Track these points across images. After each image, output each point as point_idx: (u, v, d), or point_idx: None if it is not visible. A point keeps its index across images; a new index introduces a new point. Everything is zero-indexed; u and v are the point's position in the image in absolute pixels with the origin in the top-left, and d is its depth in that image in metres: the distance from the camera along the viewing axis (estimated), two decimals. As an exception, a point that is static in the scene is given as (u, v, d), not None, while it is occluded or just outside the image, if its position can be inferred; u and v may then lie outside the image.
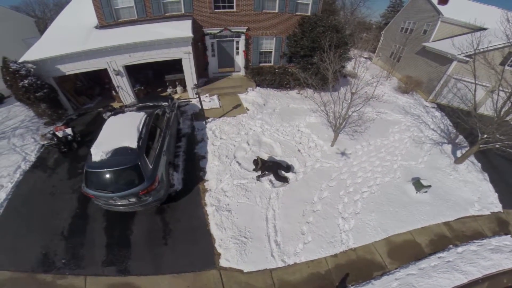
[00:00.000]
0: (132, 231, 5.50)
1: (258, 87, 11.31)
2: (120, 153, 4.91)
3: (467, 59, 12.08)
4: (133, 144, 5.02)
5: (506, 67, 11.78)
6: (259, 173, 6.52)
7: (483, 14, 14.82)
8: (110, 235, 5.45)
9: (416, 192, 7.19)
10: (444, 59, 13.40)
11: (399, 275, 5.40)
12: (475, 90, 8.15)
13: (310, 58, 10.61)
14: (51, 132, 7.64)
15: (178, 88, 10.85)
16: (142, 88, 10.55)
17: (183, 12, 10.13)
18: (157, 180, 5.03)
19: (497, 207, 7.58)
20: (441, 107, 13.29)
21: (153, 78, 12.02)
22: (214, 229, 5.53)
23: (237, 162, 7.02)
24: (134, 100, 9.20)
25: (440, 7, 14.93)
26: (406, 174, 7.77)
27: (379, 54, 24.38)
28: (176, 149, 7.30)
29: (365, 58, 28.11)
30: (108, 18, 9.52)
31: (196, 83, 8.98)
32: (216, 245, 5.30)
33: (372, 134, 9.18)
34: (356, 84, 7.01)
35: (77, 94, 10.25)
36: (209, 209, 5.86)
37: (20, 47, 17.72)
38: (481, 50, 10.42)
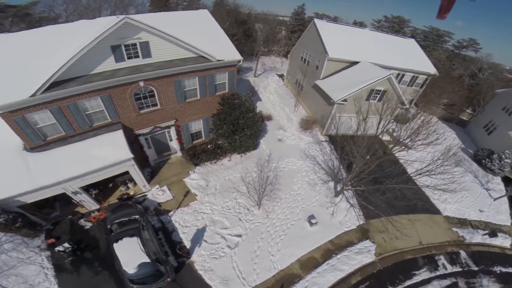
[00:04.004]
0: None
1: (197, 167, 17.64)
2: (144, 266, 10.84)
3: (344, 102, 21.03)
4: (148, 260, 11.02)
5: (370, 101, 21.20)
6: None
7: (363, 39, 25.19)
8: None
9: (310, 226, 15.19)
10: (329, 100, 21.71)
11: (308, 278, 13.09)
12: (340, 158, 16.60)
13: (233, 135, 17.16)
14: (57, 250, 12.06)
15: (130, 185, 15.92)
16: (97, 191, 15.12)
17: (110, 120, 13.37)
18: (169, 273, 11.25)
19: (361, 221, 16.20)
20: (331, 138, 22.49)
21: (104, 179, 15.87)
22: (208, 281, 12.25)
23: (204, 240, 13.66)
24: (108, 213, 13.64)
25: (327, 47, 22.95)
26: (305, 214, 15.80)
27: (288, 78, 33.39)
28: (160, 240, 13.23)
29: (279, 76, 37.41)
30: (35, 139, 11.70)
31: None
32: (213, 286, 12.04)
33: (283, 188, 17.05)
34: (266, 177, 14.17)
35: (39, 208, 14.02)
36: (200, 272, 12.51)
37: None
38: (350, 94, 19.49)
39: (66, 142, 12.61)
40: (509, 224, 18.90)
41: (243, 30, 42.31)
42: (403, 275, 14.23)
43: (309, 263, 13.74)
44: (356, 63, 24.06)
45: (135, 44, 12.47)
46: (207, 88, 16.00)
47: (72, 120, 12.26)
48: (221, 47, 15.61)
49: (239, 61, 15.81)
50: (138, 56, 12.92)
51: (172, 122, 16.16)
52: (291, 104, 28.73)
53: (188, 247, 13.35)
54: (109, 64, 12.36)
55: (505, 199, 20.82)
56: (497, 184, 22.85)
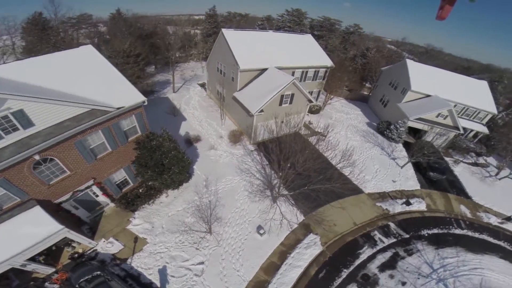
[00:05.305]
0: None
1: (136, 212, 18.18)
2: None
3: (261, 113, 23.05)
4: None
5: (283, 105, 24.20)
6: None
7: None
8: None
9: (261, 236, 17.16)
10: (249, 112, 24.04)
11: (274, 281, 15.58)
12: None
13: (162, 176, 16.85)
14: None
15: (74, 244, 15.65)
16: (44, 256, 14.56)
17: (20, 200, 12.56)
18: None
19: (300, 219, 19.02)
20: (259, 145, 24.62)
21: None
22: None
23: (171, 276, 15.02)
24: (69, 273, 13.61)
25: (238, 59, 24.85)
26: (253, 226, 18.12)
27: (209, 88, 34.14)
28: (131, 286, 14.17)
29: (200, 86, 37.74)
30: None
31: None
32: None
33: (227, 209, 19.02)
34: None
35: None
36: (182, 305, 14.28)
37: None
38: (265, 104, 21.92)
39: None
40: (419, 187, 23.52)
41: (150, 43, 40.70)
42: (351, 256, 17.48)
43: (271, 268, 16.15)
44: (265, 69, 26.24)
45: (6, 117, 10.75)
46: (116, 138, 15.53)
47: (-25, 209, 11.60)
48: (118, 90, 15.00)
49: (143, 102, 15.47)
50: (17, 129, 11.29)
51: (91, 182, 15.78)
52: (217, 117, 29.94)
53: (159, 286, 14.51)
54: (-15, 145, 11.06)
55: (410, 165, 25.88)
56: (400, 151, 28.35)
